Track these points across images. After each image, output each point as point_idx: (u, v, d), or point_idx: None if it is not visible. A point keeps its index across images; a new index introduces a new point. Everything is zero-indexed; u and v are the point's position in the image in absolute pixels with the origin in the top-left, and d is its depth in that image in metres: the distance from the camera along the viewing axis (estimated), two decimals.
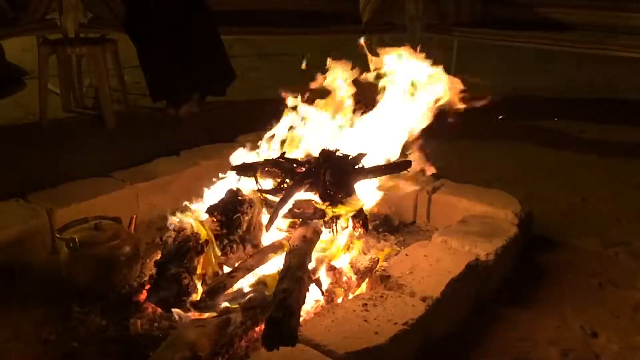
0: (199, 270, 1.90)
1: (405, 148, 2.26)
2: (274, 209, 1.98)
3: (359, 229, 2.12)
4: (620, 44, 3.66)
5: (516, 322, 2.01)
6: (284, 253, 1.89)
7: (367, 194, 2.17)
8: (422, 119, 2.25)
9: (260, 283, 1.88)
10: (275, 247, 1.98)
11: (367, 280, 2.03)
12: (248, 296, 1.83)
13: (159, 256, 2.02)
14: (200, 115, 3.74)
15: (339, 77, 2.31)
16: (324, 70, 2.31)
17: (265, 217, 2.06)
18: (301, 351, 1.57)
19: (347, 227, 2.10)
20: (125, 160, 2.85)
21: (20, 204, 2.32)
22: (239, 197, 2.04)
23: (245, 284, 1.90)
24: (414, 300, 1.83)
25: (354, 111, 2.34)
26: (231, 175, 2.17)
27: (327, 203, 2.00)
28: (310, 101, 2.30)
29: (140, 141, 3.33)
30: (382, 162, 2.20)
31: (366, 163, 2.12)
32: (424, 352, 1.78)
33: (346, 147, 2.17)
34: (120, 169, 2.69)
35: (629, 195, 2.97)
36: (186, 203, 2.09)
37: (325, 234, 2.04)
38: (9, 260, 2.14)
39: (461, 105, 2.20)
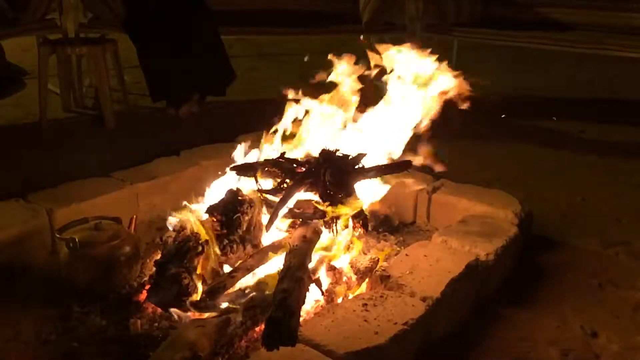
0: (199, 270, 1.90)
1: (412, 144, 2.26)
2: (274, 209, 1.98)
3: (359, 229, 2.12)
4: (620, 44, 3.65)
5: (516, 322, 2.01)
6: (284, 253, 1.89)
7: (372, 189, 2.17)
8: (427, 114, 2.24)
9: (261, 283, 1.89)
10: (275, 247, 1.98)
11: (367, 280, 2.03)
12: (248, 296, 1.83)
13: (159, 256, 2.02)
14: (200, 115, 3.74)
15: (344, 72, 2.30)
16: (328, 66, 2.30)
17: (265, 217, 2.06)
18: (301, 351, 1.57)
19: (347, 227, 2.10)
20: (125, 160, 2.85)
21: (20, 204, 2.32)
22: (239, 197, 2.04)
23: (245, 284, 1.90)
24: (414, 300, 1.83)
25: (358, 107, 2.33)
26: (231, 174, 2.17)
27: (327, 203, 2.00)
28: (314, 96, 2.30)
29: (140, 141, 3.33)
30: (384, 161, 2.21)
31: (366, 163, 2.12)
32: (424, 352, 1.78)
33: (350, 144, 2.16)
34: (120, 169, 2.69)
35: (629, 195, 2.97)
36: (185, 203, 2.09)
37: (326, 234, 2.04)
38: (9, 260, 2.14)
39: (465, 102, 2.19)
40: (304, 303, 1.71)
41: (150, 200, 2.56)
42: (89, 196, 2.40)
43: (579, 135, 3.84)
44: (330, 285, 1.95)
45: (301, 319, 1.64)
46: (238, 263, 1.94)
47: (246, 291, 1.86)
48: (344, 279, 1.99)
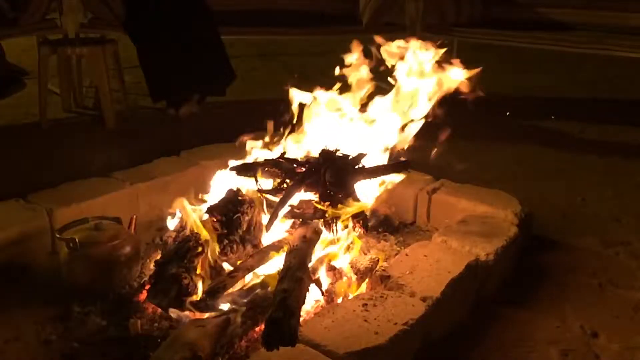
0: (199, 270, 1.90)
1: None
2: (274, 209, 1.98)
3: (359, 229, 2.12)
4: (620, 44, 3.66)
5: (516, 322, 2.01)
6: (284, 253, 1.89)
7: (371, 189, 2.17)
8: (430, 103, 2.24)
9: (261, 283, 1.89)
10: (275, 247, 1.98)
11: (367, 280, 2.03)
12: (248, 296, 1.83)
13: (159, 256, 2.02)
14: (200, 115, 3.74)
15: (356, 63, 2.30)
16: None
17: (265, 217, 2.06)
18: (301, 351, 1.57)
19: (347, 227, 2.10)
20: (125, 160, 2.85)
21: (20, 204, 2.32)
22: (239, 197, 2.04)
23: (245, 284, 1.90)
24: (414, 300, 1.83)
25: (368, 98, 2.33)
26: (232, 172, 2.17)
27: (327, 203, 2.00)
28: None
29: (140, 141, 3.34)
30: (384, 161, 2.21)
31: (366, 163, 2.13)
32: (424, 352, 1.78)
33: (355, 139, 2.15)
34: (120, 169, 2.69)
35: (629, 195, 2.97)
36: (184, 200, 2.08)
37: (325, 234, 2.04)
38: (9, 260, 2.14)
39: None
40: (304, 303, 1.71)
41: (150, 200, 2.56)
42: (89, 196, 2.40)
43: (579, 135, 3.84)
44: (330, 285, 1.95)
45: (301, 319, 1.64)
46: (238, 263, 1.94)
47: (247, 291, 1.86)
48: (344, 279, 1.99)
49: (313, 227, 1.98)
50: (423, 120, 2.25)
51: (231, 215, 1.99)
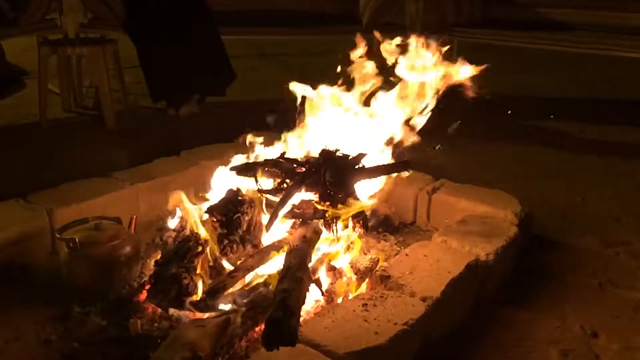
0: (199, 270, 1.90)
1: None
2: (274, 209, 1.98)
3: (359, 229, 2.12)
4: (620, 44, 3.66)
5: (516, 322, 2.01)
6: (284, 253, 1.89)
7: (371, 189, 2.17)
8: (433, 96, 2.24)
9: (261, 283, 1.89)
10: (275, 247, 1.98)
11: (367, 280, 2.03)
12: (248, 296, 1.83)
13: (159, 256, 2.02)
14: (200, 115, 3.74)
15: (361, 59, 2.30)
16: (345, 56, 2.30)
17: (265, 217, 2.06)
18: (301, 351, 1.57)
19: (347, 227, 2.10)
20: (125, 160, 2.85)
21: (20, 204, 2.32)
22: (239, 197, 2.04)
23: (245, 284, 1.90)
24: (414, 300, 1.83)
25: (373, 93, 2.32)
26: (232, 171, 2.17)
27: (327, 203, 2.00)
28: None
29: (140, 141, 3.34)
30: (384, 161, 2.21)
31: (366, 163, 2.12)
32: (424, 352, 1.78)
33: (357, 135, 2.14)
34: (120, 169, 2.69)
35: (629, 195, 2.97)
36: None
37: (325, 234, 2.04)
38: (9, 260, 2.14)
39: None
40: (304, 303, 1.71)
41: (150, 200, 2.56)
42: (89, 196, 2.40)
43: (579, 135, 3.84)
44: (330, 285, 1.95)
45: (301, 319, 1.64)
46: (238, 263, 1.94)
47: (247, 291, 1.86)
48: (344, 278, 1.99)
49: (313, 227, 1.98)
50: (429, 114, 2.24)
51: (231, 215, 1.99)
